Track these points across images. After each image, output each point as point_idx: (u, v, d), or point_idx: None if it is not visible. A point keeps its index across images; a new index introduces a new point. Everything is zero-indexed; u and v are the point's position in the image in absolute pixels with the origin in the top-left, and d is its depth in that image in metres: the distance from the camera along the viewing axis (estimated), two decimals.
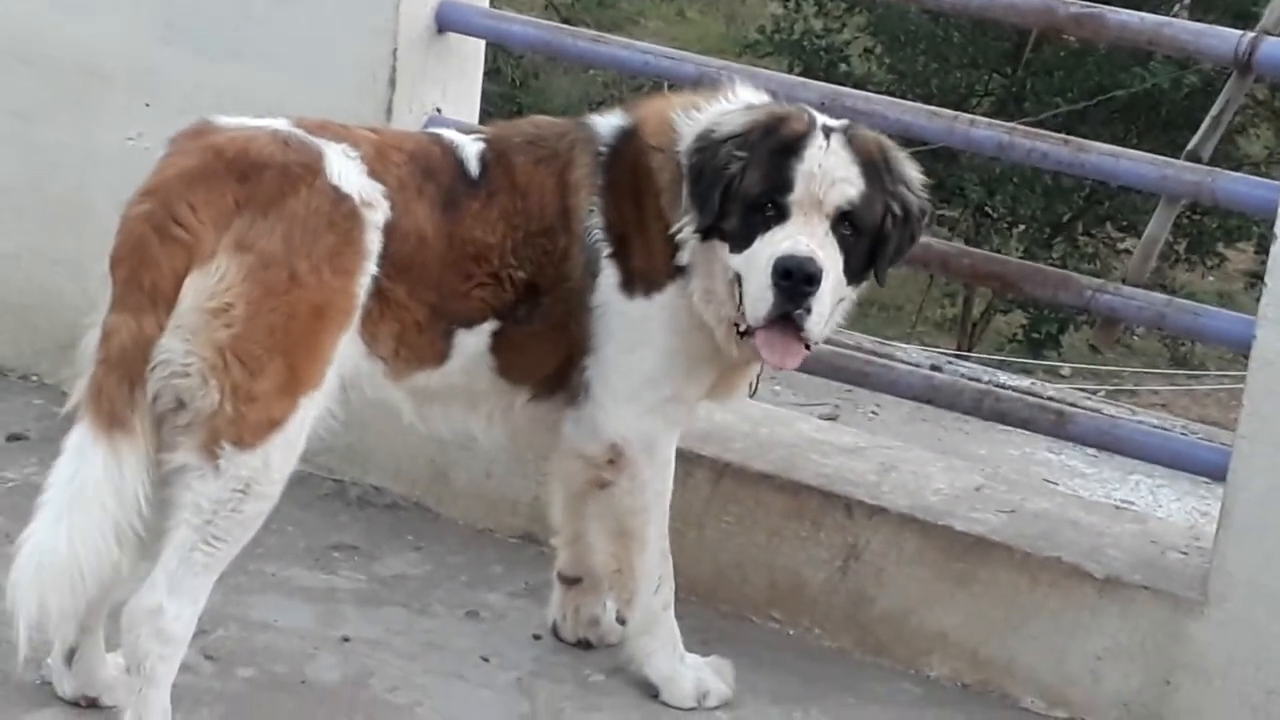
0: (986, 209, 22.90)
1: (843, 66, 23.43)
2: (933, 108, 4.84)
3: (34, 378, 5.59)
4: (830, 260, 3.85)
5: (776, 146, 3.90)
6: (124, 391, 3.58)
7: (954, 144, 4.76)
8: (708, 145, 3.95)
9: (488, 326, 3.98)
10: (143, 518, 3.60)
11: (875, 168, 3.94)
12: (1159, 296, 4.75)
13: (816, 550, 4.65)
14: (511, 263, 3.97)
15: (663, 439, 4.13)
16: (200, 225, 3.61)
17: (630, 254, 4.02)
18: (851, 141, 3.94)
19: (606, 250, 4.00)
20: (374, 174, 3.82)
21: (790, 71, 20.51)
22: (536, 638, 4.49)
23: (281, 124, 3.83)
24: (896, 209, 3.95)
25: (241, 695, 4.10)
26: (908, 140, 4.33)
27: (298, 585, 4.64)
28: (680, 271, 4.01)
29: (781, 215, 3.87)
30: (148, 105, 5.30)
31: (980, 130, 4.65)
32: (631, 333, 4.03)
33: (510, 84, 23.74)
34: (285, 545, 4.78)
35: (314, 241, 3.68)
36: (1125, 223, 22.92)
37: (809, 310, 3.83)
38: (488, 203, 3.96)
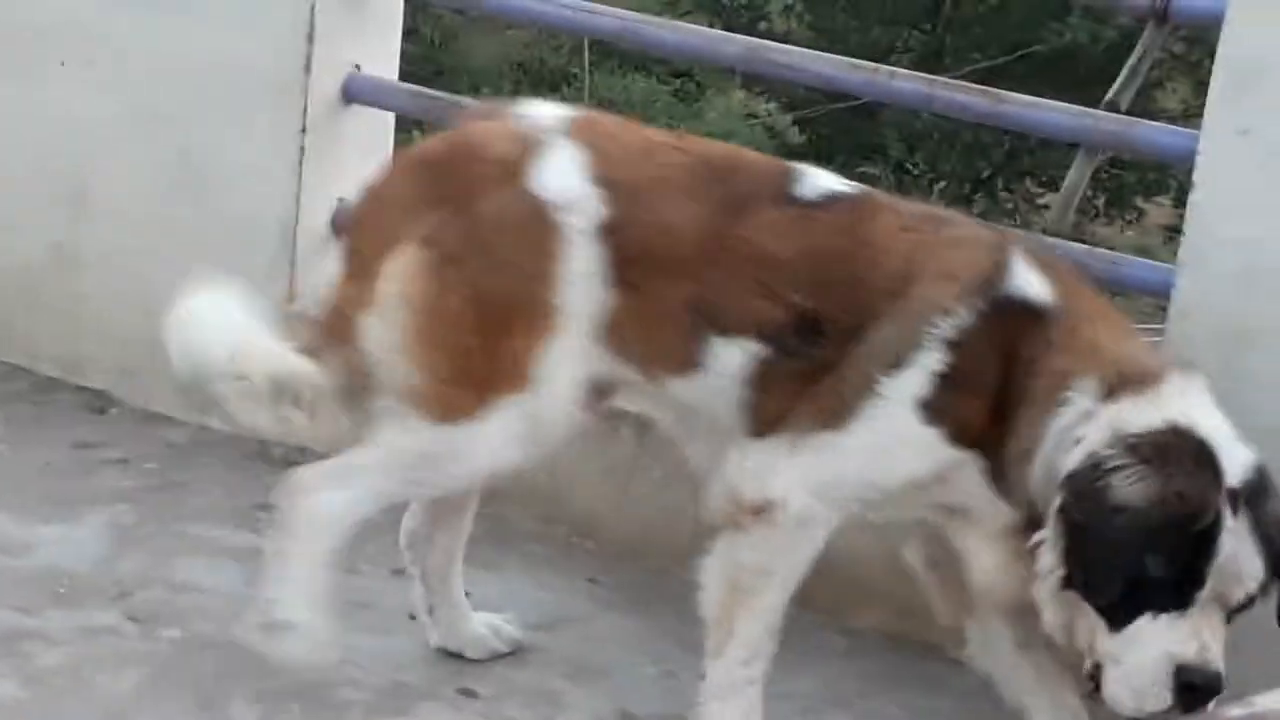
0: (907, 166, 22.97)
1: (763, 24, 23.40)
2: (854, 60, 4.85)
3: None
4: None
5: (1191, 538, 3.41)
6: (331, 342, 3.79)
7: (875, 96, 4.78)
8: (1099, 509, 3.42)
9: (750, 345, 3.67)
10: None
11: (1276, 550, 3.49)
12: (1078, 246, 4.78)
13: None
14: (801, 288, 3.63)
15: (821, 520, 3.70)
16: (403, 213, 3.70)
17: (957, 402, 3.57)
18: (1259, 523, 3.46)
19: (938, 366, 3.56)
20: (602, 176, 3.70)
21: (711, 27, 20.49)
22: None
23: (550, 113, 3.83)
24: None
25: (167, 656, 4.10)
26: (830, 94, 4.33)
27: (223, 546, 4.62)
28: (983, 451, 3.60)
29: (1181, 604, 3.44)
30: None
31: (901, 82, 4.66)
32: (881, 437, 3.60)
33: (429, 44, 23.57)
34: (210, 506, 4.77)
35: (504, 242, 3.67)
36: (1045, 178, 23.00)
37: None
38: (799, 221, 3.68)
